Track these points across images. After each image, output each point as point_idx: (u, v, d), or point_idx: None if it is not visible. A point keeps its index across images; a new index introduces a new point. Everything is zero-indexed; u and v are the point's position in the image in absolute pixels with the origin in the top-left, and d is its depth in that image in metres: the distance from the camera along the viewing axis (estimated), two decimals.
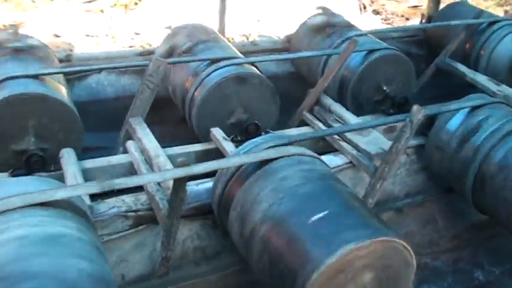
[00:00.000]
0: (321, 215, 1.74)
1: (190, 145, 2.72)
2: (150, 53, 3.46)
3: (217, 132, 2.71)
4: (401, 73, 3.20)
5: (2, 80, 2.45)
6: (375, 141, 2.66)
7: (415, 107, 2.20)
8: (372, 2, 7.80)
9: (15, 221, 1.56)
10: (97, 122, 3.03)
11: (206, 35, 3.22)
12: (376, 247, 1.65)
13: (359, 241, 1.63)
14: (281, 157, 2.01)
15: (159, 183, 2.19)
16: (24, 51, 2.74)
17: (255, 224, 1.85)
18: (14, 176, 2.33)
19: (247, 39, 5.92)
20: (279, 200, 1.84)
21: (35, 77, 2.51)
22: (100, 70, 3.28)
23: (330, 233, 1.68)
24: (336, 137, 2.72)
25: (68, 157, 2.39)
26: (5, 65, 2.58)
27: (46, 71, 2.63)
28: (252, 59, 3.12)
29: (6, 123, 2.35)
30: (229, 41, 3.61)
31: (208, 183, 2.27)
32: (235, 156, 2.15)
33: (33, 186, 1.73)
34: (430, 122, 2.74)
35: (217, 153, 2.63)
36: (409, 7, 7.51)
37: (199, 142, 2.78)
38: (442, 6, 4.23)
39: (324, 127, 2.91)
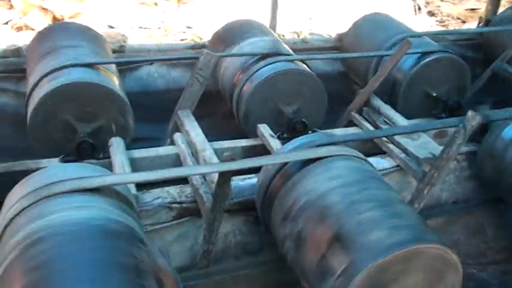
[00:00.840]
0: (366, 216, 1.71)
1: (236, 140, 2.72)
2: (202, 46, 3.49)
3: (264, 129, 2.70)
4: (456, 77, 3.11)
5: (59, 68, 2.51)
6: (424, 145, 2.60)
7: (470, 113, 2.13)
8: (427, 4, 7.62)
9: (61, 205, 1.60)
10: (146, 113, 3.07)
11: (257, 31, 3.21)
12: (420, 253, 1.61)
13: (403, 246, 1.59)
14: (328, 156, 1.98)
15: (204, 177, 2.20)
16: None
17: (298, 222, 1.84)
18: (64, 162, 2.40)
19: (298, 37, 5.89)
20: (324, 200, 1.81)
21: (90, 65, 2.57)
22: (151, 62, 3.32)
23: (374, 235, 1.65)
24: (384, 139, 2.67)
25: (116, 146, 2.43)
26: (63, 54, 2.64)
27: (100, 61, 2.68)
28: (303, 56, 3.10)
29: (60, 109, 2.41)
30: (280, 38, 3.59)
31: (252, 179, 2.27)
32: (281, 153, 2.14)
33: (82, 172, 1.77)
34: (482, 128, 2.65)
35: (263, 150, 2.62)
36: (466, 9, 7.29)
37: (246, 137, 2.79)
38: (501, 9, 4.11)
39: (372, 128, 2.87)
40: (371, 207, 1.75)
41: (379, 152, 2.67)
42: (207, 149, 2.42)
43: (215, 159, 2.34)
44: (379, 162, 2.52)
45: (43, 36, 2.94)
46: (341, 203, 1.79)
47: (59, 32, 2.93)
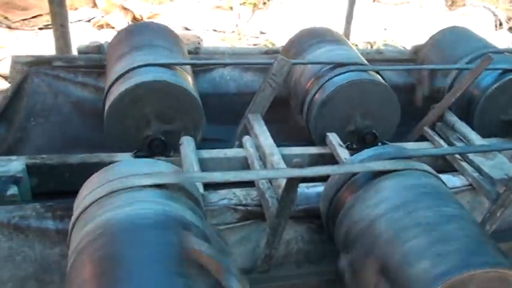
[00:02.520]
0: (411, 244, 1.66)
1: (305, 147, 2.72)
2: (275, 52, 3.52)
3: (333, 137, 2.68)
4: None
5: (136, 67, 2.59)
6: (500, 165, 2.50)
7: None
8: (509, 19, 7.33)
9: (132, 199, 1.65)
10: (216, 115, 3.11)
11: (332, 39, 3.20)
12: (472, 278, 1.55)
13: (449, 275, 1.53)
14: (399, 170, 1.94)
15: (270, 181, 2.21)
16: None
17: (364, 235, 1.81)
18: (136, 157, 2.47)
19: (371, 47, 5.82)
20: (393, 215, 1.77)
21: (166, 65, 2.64)
22: (225, 65, 3.38)
23: (419, 266, 1.59)
24: (458, 156, 2.58)
25: (187, 145, 2.49)
26: (141, 53, 2.72)
27: (176, 61, 2.75)
28: (378, 66, 3.06)
29: (136, 106, 2.49)
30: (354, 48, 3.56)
31: (319, 187, 2.25)
32: (350, 163, 2.11)
33: (154, 168, 1.82)
34: None
35: (331, 159, 2.60)
36: None
37: (314, 145, 2.78)
38: None
39: (445, 145, 2.78)
40: (418, 233, 1.69)
41: (451, 169, 2.59)
42: (275, 153, 2.43)
43: (283, 165, 2.34)
44: (451, 180, 2.44)
45: (124, 35, 3.05)
46: (412, 220, 1.73)
47: (139, 31, 3.03)
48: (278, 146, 2.55)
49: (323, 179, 2.17)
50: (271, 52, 3.62)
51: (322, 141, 2.75)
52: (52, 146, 3.03)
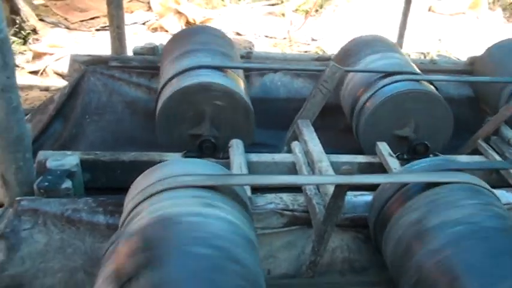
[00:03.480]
0: (490, 255, 1.60)
1: (354, 155, 2.69)
2: (327, 59, 3.50)
3: (383, 147, 2.65)
4: None
5: (188, 69, 2.63)
6: None
7: None
8: None
9: (180, 198, 1.67)
10: (266, 120, 3.12)
11: (385, 48, 3.16)
12: None
13: None
14: (451, 182, 1.89)
15: (318, 188, 2.20)
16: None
17: (413, 248, 1.77)
18: (186, 157, 2.51)
19: (425, 57, 5.71)
20: (445, 230, 1.72)
21: (219, 68, 2.67)
22: (276, 70, 3.38)
23: (499, 278, 1.54)
24: None
25: (236, 147, 2.50)
26: (195, 55, 2.77)
27: (229, 64, 2.78)
28: (431, 77, 3.01)
29: (188, 107, 2.53)
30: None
31: (367, 197, 2.23)
32: (401, 173, 2.08)
33: (204, 169, 1.84)
34: None
35: (380, 168, 2.57)
36: None
37: (363, 154, 2.75)
38: None
39: (499, 159, 2.70)
40: (500, 246, 1.64)
41: (505, 185, 2.51)
42: (323, 160, 2.42)
43: (331, 172, 2.33)
44: (504, 196, 2.36)
45: (179, 37, 3.11)
46: (467, 238, 1.67)
47: (193, 34, 3.09)
48: (327, 153, 2.54)
49: (371, 188, 2.15)
50: (322, 59, 3.60)
51: (372, 150, 2.72)
52: (105, 143, 3.12)
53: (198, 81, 2.51)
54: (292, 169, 2.54)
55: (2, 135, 2.00)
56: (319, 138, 2.64)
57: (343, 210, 2.00)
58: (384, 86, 2.74)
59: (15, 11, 6.38)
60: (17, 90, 1.99)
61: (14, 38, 6.22)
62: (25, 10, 6.41)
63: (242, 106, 2.57)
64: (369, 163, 2.65)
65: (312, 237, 2.10)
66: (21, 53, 6.18)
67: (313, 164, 2.44)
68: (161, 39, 6.03)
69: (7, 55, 1.90)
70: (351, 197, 2.24)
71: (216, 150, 2.54)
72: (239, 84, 2.69)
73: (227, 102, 2.54)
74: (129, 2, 7.86)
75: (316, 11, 7.20)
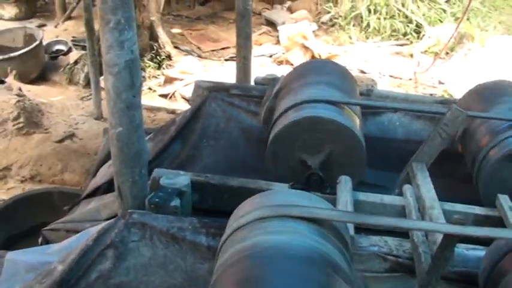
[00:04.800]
0: None
1: (470, 206, 2.52)
2: (451, 102, 3.34)
3: (504, 200, 2.45)
4: None
5: (304, 102, 2.65)
6: None
7: None
8: None
9: (282, 227, 1.66)
10: (379, 159, 3.03)
11: None
12: None
13: None
14: None
15: (427, 235, 2.08)
16: None
17: None
18: (292, 188, 2.50)
19: None
20: None
21: (334, 103, 2.65)
22: (396, 110, 3.29)
23: None
24: None
25: (344, 184, 2.46)
26: (313, 88, 2.78)
27: (345, 100, 2.75)
28: None
29: (300, 140, 2.53)
30: None
31: (479, 251, 2.07)
32: None
33: (309, 202, 1.82)
34: None
35: (498, 223, 2.37)
36: None
37: (481, 205, 2.57)
38: None
39: None
40: None
41: None
42: (435, 207, 2.29)
43: (442, 220, 2.20)
44: None
45: (299, 69, 3.14)
46: None
47: (314, 67, 3.11)
48: (440, 200, 2.41)
49: (486, 243, 1.99)
50: (446, 102, 3.45)
51: (492, 203, 2.53)
52: (218, 166, 3.20)
53: (312, 115, 2.51)
54: (401, 213, 2.43)
55: (123, 149, 2.14)
56: (433, 183, 2.51)
57: (452, 262, 1.88)
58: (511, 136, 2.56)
59: (154, 37, 6.89)
60: (140, 109, 2.13)
61: (150, 63, 6.70)
62: (163, 38, 6.89)
63: (355, 143, 2.53)
64: (486, 216, 2.46)
65: (414, 287, 1.98)
66: (154, 76, 6.64)
67: (424, 210, 2.32)
68: (284, 72, 6.15)
69: (135, 75, 2.04)
70: (462, 249, 2.10)
71: (323, 185, 2.50)
72: (354, 121, 2.65)
73: (340, 138, 2.51)
74: (259, 35, 8.16)
75: (447, 53, 6.95)
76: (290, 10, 9.09)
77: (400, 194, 2.58)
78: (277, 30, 8.07)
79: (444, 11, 8.07)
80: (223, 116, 3.40)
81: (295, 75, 3.07)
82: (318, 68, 3.09)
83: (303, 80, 2.93)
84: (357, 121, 2.71)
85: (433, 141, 2.62)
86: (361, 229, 2.16)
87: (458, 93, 5.96)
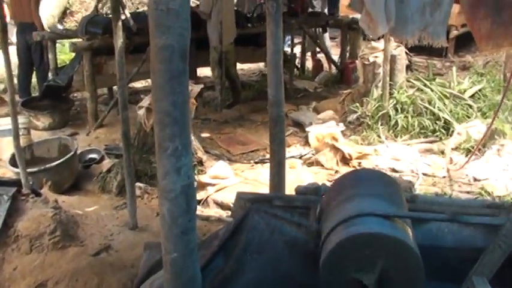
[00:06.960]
0: None
1: None
2: (499, 206, 3.24)
3: None
4: None
5: (355, 216, 2.59)
6: None
7: None
8: None
9: None
10: (430, 269, 2.92)
11: None
12: None
13: None
14: None
15: None
16: None
17: None
18: None
19: None
20: None
21: (387, 217, 2.59)
22: (451, 222, 3.18)
23: None
24: None
25: None
26: (362, 201, 2.73)
27: (398, 213, 2.69)
28: None
29: (354, 257, 2.46)
30: None
31: None
32: None
33: None
34: None
35: None
36: None
37: None
38: None
39: None
40: None
41: None
42: None
43: None
44: None
45: (344, 180, 3.11)
46: None
47: (360, 178, 3.07)
48: None
49: None
50: (494, 206, 3.35)
51: None
52: (263, 281, 3.10)
53: (367, 231, 2.45)
54: None
55: (178, 275, 2.09)
56: None
57: None
58: None
59: None
60: (195, 233, 2.10)
61: None
62: (194, 144, 7.00)
63: (411, 258, 2.45)
64: None
65: None
66: None
67: None
68: (317, 175, 6.15)
69: (191, 200, 2.02)
70: None
71: None
72: (407, 234, 2.57)
73: (395, 253, 2.43)
74: (287, 136, 8.27)
75: (479, 150, 6.91)
76: (316, 110, 9.25)
77: None
78: (304, 131, 8.17)
79: (470, 106, 8.14)
80: (266, 228, 3.33)
81: (340, 186, 3.04)
82: (364, 179, 3.06)
83: (349, 191, 2.89)
84: (410, 234, 2.63)
85: (492, 253, 2.51)
86: None
87: (496, 191, 5.86)
